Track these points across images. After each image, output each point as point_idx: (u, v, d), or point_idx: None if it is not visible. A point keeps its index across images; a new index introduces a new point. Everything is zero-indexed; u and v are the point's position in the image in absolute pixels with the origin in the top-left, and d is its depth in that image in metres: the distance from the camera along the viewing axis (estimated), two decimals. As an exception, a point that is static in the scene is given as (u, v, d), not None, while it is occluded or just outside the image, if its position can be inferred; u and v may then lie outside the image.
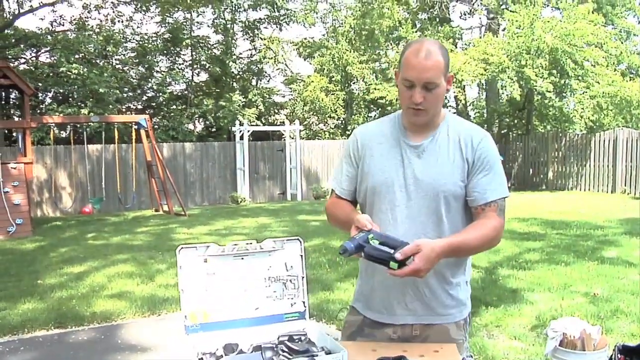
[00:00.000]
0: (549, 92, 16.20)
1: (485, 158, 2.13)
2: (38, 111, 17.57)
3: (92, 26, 19.40)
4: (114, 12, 19.95)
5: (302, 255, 2.11)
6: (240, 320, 2.02)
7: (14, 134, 15.64)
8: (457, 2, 22.69)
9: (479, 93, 25.96)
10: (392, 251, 1.89)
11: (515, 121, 21.30)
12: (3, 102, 17.68)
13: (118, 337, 5.10)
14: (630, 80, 17.71)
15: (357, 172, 2.24)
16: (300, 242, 2.10)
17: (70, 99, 18.33)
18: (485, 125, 22.34)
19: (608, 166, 16.89)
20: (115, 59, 19.83)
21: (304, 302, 2.11)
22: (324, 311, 5.48)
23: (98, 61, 18.72)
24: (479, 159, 2.12)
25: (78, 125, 15.66)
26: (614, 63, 17.84)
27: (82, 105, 17.17)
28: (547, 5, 18.62)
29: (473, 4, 21.82)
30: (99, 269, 7.57)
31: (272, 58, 22.02)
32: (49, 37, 18.48)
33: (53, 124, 14.34)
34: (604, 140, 17.03)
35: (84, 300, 6.08)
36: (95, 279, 7.05)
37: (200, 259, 1.99)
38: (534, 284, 6.18)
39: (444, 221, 2.11)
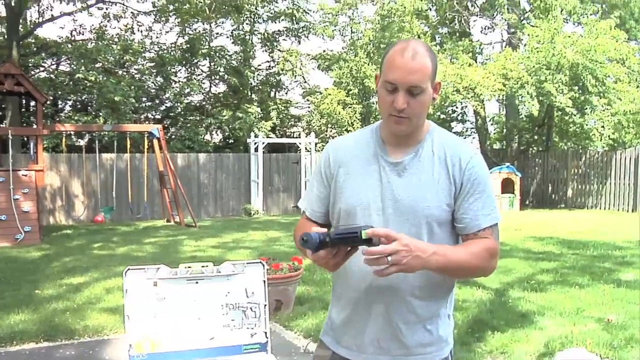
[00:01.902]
0: (569, 107, 15.86)
1: (475, 179, 1.88)
2: (57, 119, 17.63)
3: (112, 35, 19.49)
4: (133, 22, 20.05)
5: (264, 281, 1.91)
6: (193, 352, 1.82)
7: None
8: (477, 16, 22.47)
9: (499, 109, 25.65)
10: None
11: (535, 137, 20.94)
12: (23, 110, 17.82)
13: (106, 353, 4.92)
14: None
15: (330, 192, 2.00)
16: (263, 265, 1.91)
17: (88, 108, 18.38)
18: (505, 142, 22.03)
19: (629, 184, 16.48)
20: (134, 69, 19.87)
21: (265, 333, 1.91)
22: (319, 332, 5.24)
23: (116, 70, 18.75)
24: (469, 180, 1.87)
25: (94, 134, 15.63)
26: (636, 79, 17.47)
27: (99, 114, 17.20)
28: (569, 21, 18.33)
29: (494, 19, 21.57)
30: (99, 280, 7.42)
31: (290, 70, 21.93)
32: (69, 45, 18.58)
33: (67, 132, 14.30)
34: (626, 158, 16.64)
35: (78, 313, 5.92)
36: (94, 290, 6.90)
37: (150, 282, 1.80)
38: (545, 307, 5.90)
39: None
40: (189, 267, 1.84)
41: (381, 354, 1.92)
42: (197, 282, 1.84)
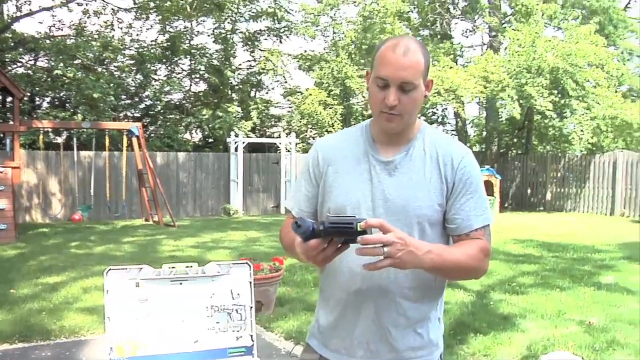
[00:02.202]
0: (549, 110, 15.97)
1: (468, 179, 1.84)
2: (35, 116, 17.34)
3: (91, 32, 19.24)
4: (113, 18, 19.79)
5: (250, 282, 1.85)
6: (176, 355, 1.75)
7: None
8: (459, 19, 22.56)
9: (479, 111, 25.78)
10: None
11: (515, 140, 21.07)
12: None
13: (83, 354, 4.81)
14: (631, 102, 17.52)
15: (318, 192, 1.94)
16: (249, 266, 1.84)
17: (67, 104, 18.11)
18: (484, 144, 22.14)
19: (607, 188, 16.65)
20: (114, 66, 19.62)
21: (251, 336, 1.85)
22: (303, 334, 5.19)
23: (95, 67, 18.50)
24: (461, 180, 1.83)
25: (72, 131, 15.41)
26: (615, 84, 17.64)
27: (77, 111, 16.95)
28: (549, 25, 18.47)
29: (475, 22, 21.66)
30: (76, 279, 7.30)
31: (271, 69, 21.82)
32: (47, 41, 18.29)
33: (44, 129, 14.07)
34: (604, 162, 16.81)
35: (55, 313, 5.80)
36: (71, 290, 6.77)
37: (132, 283, 1.73)
38: (527, 310, 5.90)
39: None
40: (173, 267, 1.77)
41: (371, 358, 1.87)
42: (181, 283, 1.77)
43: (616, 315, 5.77)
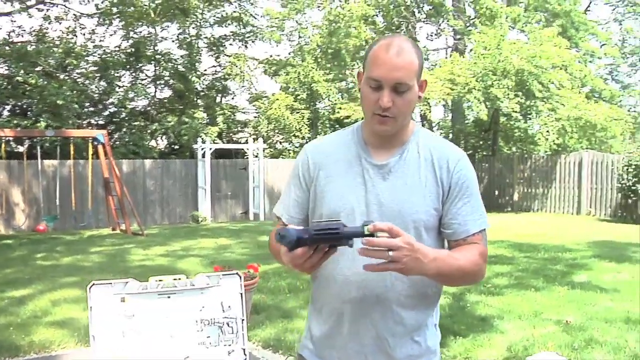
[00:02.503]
0: (515, 112, 16.15)
1: (464, 183, 1.79)
2: (-6, 124, 16.93)
3: (53, 38, 18.87)
4: (75, 24, 19.45)
5: (241, 293, 1.76)
6: (166, 373, 1.66)
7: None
8: (424, 22, 22.72)
9: (444, 113, 25.98)
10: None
11: (481, 142, 21.26)
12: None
13: (55, 371, 4.66)
14: (594, 102, 17.82)
15: (309, 197, 1.87)
16: (240, 277, 1.76)
17: (29, 112, 17.71)
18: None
19: (573, 188, 16.89)
20: (76, 73, 19.26)
21: (244, 350, 1.77)
22: (280, 342, 5.10)
23: (58, 74, 18.14)
24: (457, 184, 1.78)
25: (35, 140, 15.06)
26: (578, 86, 17.94)
27: (40, 119, 16.58)
28: (513, 28, 18.70)
29: (440, 25, 21.84)
30: (43, 292, 7.08)
31: (237, 75, 21.68)
32: (7, 47, 17.87)
33: (6, 137, 13.70)
34: (569, 163, 17.05)
35: (23, 328, 5.60)
36: (39, 303, 6.56)
37: (117, 298, 1.63)
38: (504, 311, 5.90)
39: None
40: (160, 280, 1.67)
41: None
42: (169, 297, 1.67)
43: (592, 313, 5.81)
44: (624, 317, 5.64)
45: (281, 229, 1.53)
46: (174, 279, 1.69)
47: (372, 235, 1.49)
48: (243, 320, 1.75)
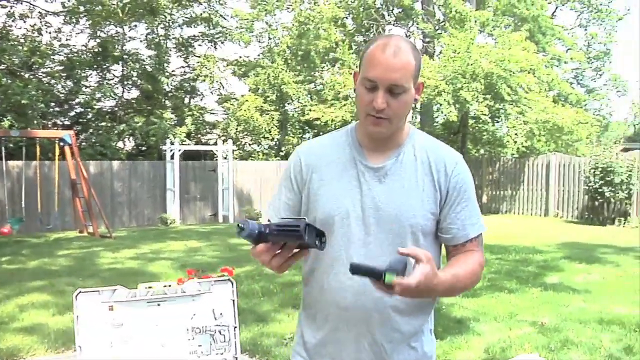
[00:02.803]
0: (485, 115, 16.30)
1: (462, 187, 1.76)
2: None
3: (17, 36, 18.47)
4: (41, 22, 19.04)
5: (233, 300, 1.70)
6: (155, 384, 1.59)
7: None
8: (393, 25, 22.80)
9: (412, 116, 26.09)
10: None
11: (450, 145, 21.37)
12: None
13: (24, 378, 4.52)
14: (561, 106, 18.09)
15: (301, 200, 1.81)
16: (232, 283, 1.69)
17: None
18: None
19: (541, 190, 17.11)
20: (42, 72, 18.87)
21: (236, 358, 1.70)
22: (257, 346, 5.02)
23: (22, 73, 17.75)
24: (455, 188, 1.75)
25: (2, 140, 14.70)
26: (545, 89, 18.18)
27: (4, 118, 16.20)
28: (482, 32, 18.88)
29: (409, 28, 21.94)
30: (10, 297, 6.88)
31: (206, 76, 21.47)
32: (-31, 46, 17.45)
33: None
34: (537, 165, 17.26)
35: (-11, 334, 5.44)
36: (5, 309, 6.37)
37: (104, 307, 1.56)
38: (480, 313, 5.91)
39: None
40: (150, 287, 1.60)
41: None
42: (159, 304, 1.60)
43: (566, 314, 5.86)
44: (597, 318, 5.69)
45: (241, 220, 1.49)
46: (164, 286, 1.62)
47: (316, 234, 1.47)
48: (235, 327, 1.68)
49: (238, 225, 1.47)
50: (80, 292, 1.52)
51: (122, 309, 1.53)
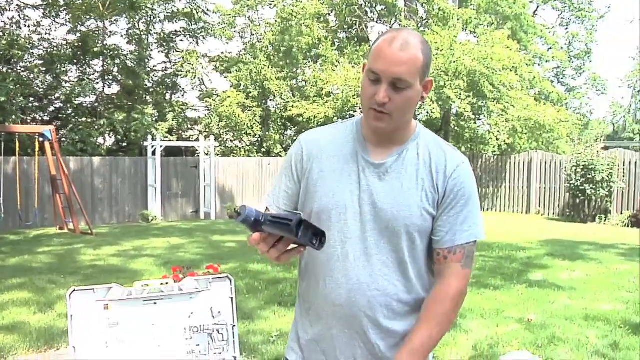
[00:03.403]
0: (467, 112, 16.36)
1: (460, 191, 1.72)
2: None
3: (-5, 29, 18.18)
4: (19, 15, 18.75)
5: (232, 298, 1.65)
6: (152, 385, 1.54)
7: None
8: (376, 22, 22.80)
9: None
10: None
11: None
12: None
13: (6, 378, 4.42)
14: (543, 104, 18.22)
15: (299, 190, 1.78)
16: (231, 280, 1.65)
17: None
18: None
19: (523, 188, 17.23)
20: (20, 66, 18.58)
21: (235, 358, 1.65)
22: (244, 344, 4.97)
23: (0, 67, 17.47)
24: (452, 191, 1.71)
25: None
26: (527, 87, 18.30)
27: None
28: (465, 30, 18.95)
29: (392, 25, 21.94)
30: (-10, 295, 6.77)
31: (188, 72, 21.30)
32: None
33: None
34: (519, 163, 17.37)
35: (-31, 333, 5.33)
36: (-15, 307, 6.26)
37: (99, 306, 1.50)
38: (466, 309, 5.89)
39: (407, 263, 1.69)
40: (146, 285, 1.55)
41: None
42: (155, 303, 1.55)
43: (552, 311, 5.88)
44: (582, 315, 5.72)
45: (241, 206, 1.44)
46: (161, 284, 1.57)
47: (300, 227, 1.45)
48: (234, 326, 1.64)
49: (235, 209, 1.44)
50: (74, 290, 1.47)
51: (118, 307, 1.48)
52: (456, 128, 19.77)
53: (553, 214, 16.46)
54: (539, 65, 22.03)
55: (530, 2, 23.04)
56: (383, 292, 1.69)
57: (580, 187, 14.97)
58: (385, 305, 1.70)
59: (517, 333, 5.15)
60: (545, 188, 16.74)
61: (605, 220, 14.97)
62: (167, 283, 1.57)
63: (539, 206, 16.88)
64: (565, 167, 15.88)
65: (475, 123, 18.81)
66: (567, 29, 27.51)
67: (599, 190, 14.81)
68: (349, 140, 1.76)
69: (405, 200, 1.68)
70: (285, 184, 1.81)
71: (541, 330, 5.21)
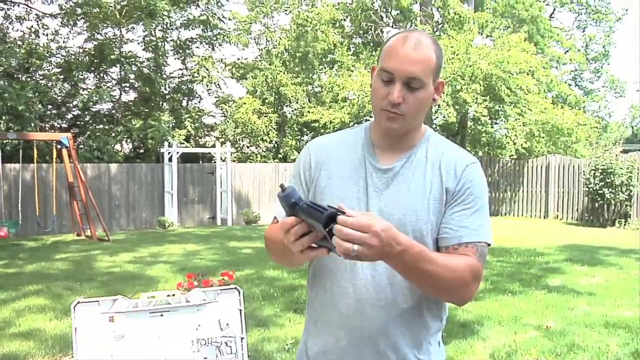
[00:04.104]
0: (484, 116, 16.25)
1: (468, 189, 1.63)
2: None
3: (14, 38, 18.36)
4: (38, 24, 18.95)
5: (240, 310, 1.61)
6: (159, 399, 1.50)
7: None
8: (391, 27, 22.75)
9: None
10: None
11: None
12: None
13: (21, 386, 4.42)
14: (561, 108, 18.06)
15: (308, 197, 1.73)
16: (239, 292, 1.61)
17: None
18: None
19: (541, 192, 17.06)
20: (39, 74, 18.77)
21: (243, 371, 1.61)
22: (258, 352, 4.94)
23: (19, 75, 17.64)
24: (461, 190, 1.63)
25: (-1, 143, 14.61)
26: (544, 91, 18.15)
27: (0, 121, 16.09)
28: (480, 34, 18.85)
29: (408, 30, 21.88)
30: (7, 302, 6.78)
31: (204, 78, 21.38)
32: (-34, 48, 17.34)
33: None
34: (537, 167, 17.20)
35: (-15, 340, 5.35)
36: (2, 313, 6.28)
37: (104, 318, 1.47)
38: (483, 316, 5.83)
39: None
40: (152, 297, 1.52)
41: None
42: (161, 315, 1.52)
43: (571, 318, 5.78)
44: (602, 322, 5.62)
45: (289, 184, 1.41)
46: (168, 296, 1.54)
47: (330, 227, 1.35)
48: (242, 338, 1.60)
49: (281, 185, 1.40)
50: (78, 302, 1.44)
51: (123, 320, 1.45)
52: (473, 132, 19.64)
53: (571, 218, 16.27)
54: (556, 68, 21.85)
55: (547, 5, 22.88)
56: (392, 302, 1.63)
57: (599, 191, 14.78)
58: (396, 316, 1.64)
59: (536, 341, 5.06)
60: (563, 192, 16.55)
61: (625, 224, 14.77)
62: (173, 295, 1.54)
63: (557, 211, 16.69)
64: (584, 171, 15.68)
65: (492, 127, 18.68)
66: (584, 31, 27.29)
67: (618, 194, 14.62)
68: (357, 146, 1.73)
69: (413, 205, 1.63)
70: None
71: (560, 338, 5.12)
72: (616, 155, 15.07)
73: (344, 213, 1.36)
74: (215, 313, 1.57)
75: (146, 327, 1.49)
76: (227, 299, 1.59)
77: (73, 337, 1.42)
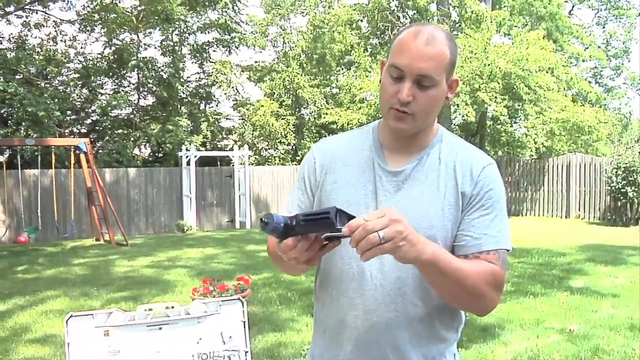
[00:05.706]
0: (503, 115, 16.06)
1: (487, 193, 1.52)
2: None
3: (33, 45, 18.51)
4: (56, 31, 19.09)
5: (244, 322, 1.54)
6: (158, 417, 1.43)
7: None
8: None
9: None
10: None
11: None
12: None
13: (35, 394, 4.40)
14: (581, 105, 17.81)
15: (313, 202, 1.64)
16: (242, 303, 1.53)
17: (9, 121, 17.33)
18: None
19: (562, 191, 16.82)
20: (58, 80, 18.91)
21: (248, 387, 1.54)
22: (274, 357, 4.87)
23: (38, 82, 17.78)
24: (479, 193, 1.52)
25: (16, 149, 14.71)
26: (564, 88, 17.91)
27: (20, 127, 16.23)
28: (498, 32, 18.64)
29: (421, 23, 21.70)
30: (24, 307, 6.79)
31: (222, 81, 21.42)
32: (-15, 56, 17.50)
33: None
34: (558, 166, 16.96)
35: (2, 345, 5.33)
36: (19, 319, 6.28)
37: (99, 332, 1.40)
38: (505, 320, 5.70)
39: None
40: (150, 309, 1.44)
41: None
42: (160, 328, 1.44)
43: (595, 320, 5.64)
44: (628, 324, 5.48)
45: (265, 214, 1.29)
46: (166, 307, 1.46)
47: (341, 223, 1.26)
48: (247, 352, 1.52)
49: (261, 219, 1.30)
50: (71, 316, 1.37)
51: (119, 334, 1.38)
52: (492, 132, 19.44)
53: (593, 217, 16.02)
54: (575, 65, 21.55)
55: (565, 1, 22.61)
56: (403, 313, 1.53)
57: (622, 190, 14.53)
58: (406, 327, 1.55)
59: (559, 345, 4.93)
60: (585, 191, 16.30)
61: (649, 223, 14.52)
62: (172, 307, 1.46)
63: (579, 210, 16.44)
64: (606, 170, 15.43)
65: (511, 126, 18.48)
66: (604, 27, 26.93)
67: (641, 193, 14.37)
68: (365, 148, 1.63)
69: (425, 210, 1.52)
70: (298, 197, 1.68)
71: (584, 342, 4.98)
72: (638, 153, 14.80)
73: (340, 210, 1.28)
74: (217, 325, 1.50)
75: (144, 341, 1.42)
76: (230, 310, 1.52)
77: (66, 353, 1.35)
